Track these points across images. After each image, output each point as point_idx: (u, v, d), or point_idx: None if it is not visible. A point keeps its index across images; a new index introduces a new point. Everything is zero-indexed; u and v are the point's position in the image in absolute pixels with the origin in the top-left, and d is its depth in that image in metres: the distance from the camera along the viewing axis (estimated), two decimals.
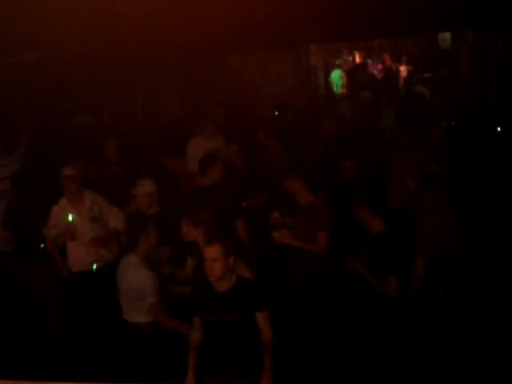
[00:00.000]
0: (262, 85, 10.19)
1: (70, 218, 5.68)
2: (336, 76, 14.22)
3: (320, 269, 5.42)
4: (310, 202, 5.40)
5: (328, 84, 13.84)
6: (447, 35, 13.88)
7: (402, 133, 7.56)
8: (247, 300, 4.07)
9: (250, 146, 7.43)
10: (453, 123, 9.30)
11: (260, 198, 6.68)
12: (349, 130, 7.93)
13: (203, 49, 9.42)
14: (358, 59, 14.94)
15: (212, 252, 3.99)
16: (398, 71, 14.13)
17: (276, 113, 8.71)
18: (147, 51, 8.39)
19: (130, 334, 4.84)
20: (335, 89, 14.05)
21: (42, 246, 5.88)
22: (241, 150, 6.89)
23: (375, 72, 14.50)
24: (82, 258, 5.78)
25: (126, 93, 9.70)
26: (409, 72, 13.64)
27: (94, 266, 5.75)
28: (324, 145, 7.37)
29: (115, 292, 4.90)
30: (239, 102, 9.70)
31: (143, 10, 6.70)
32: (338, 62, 15.21)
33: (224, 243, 4.03)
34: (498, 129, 7.64)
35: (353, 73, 13.34)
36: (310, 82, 10.30)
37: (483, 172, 6.54)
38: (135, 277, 4.70)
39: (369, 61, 14.61)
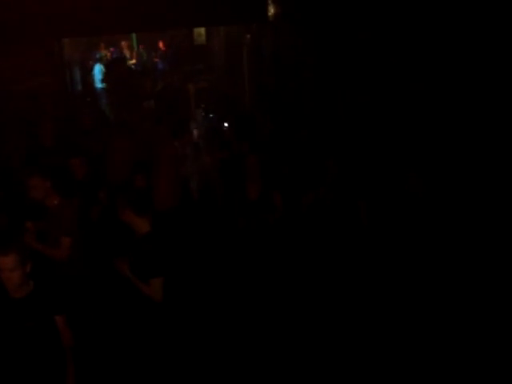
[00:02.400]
0: (13, 81, 9.60)
1: None
2: (97, 70, 14.03)
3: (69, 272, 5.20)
4: (56, 204, 5.20)
5: (87, 79, 13.58)
6: (202, 30, 14.45)
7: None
8: (44, 305, 3.92)
9: None
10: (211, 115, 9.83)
11: None
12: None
13: None
14: (112, 53, 14.89)
15: (8, 262, 3.75)
16: (154, 65, 14.37)
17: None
18: None
19: None
20: (96, 83, 13.86)
21: None
22: None
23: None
24: None
25: None
26: (166, 65, 13.95)
27: None
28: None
29: None
30: None
31: None
32: (98, 56, 14.99)
33: (19, 250, 3.82)
34: None
35: (110, 67, 13.24)
36: (65, 77, 10.02)
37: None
38: None
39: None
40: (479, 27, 5.29)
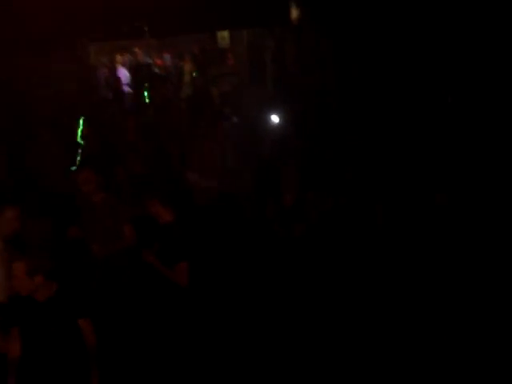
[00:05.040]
0: (38, 86, 9.73)
1: None
2: (121, 74, 14.14)
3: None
4: (103, 197, 5.33)
5: (111, 83, 13.70)
6: (225, 34, 14.54)
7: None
8: (68, 308, 3.98)
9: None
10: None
11: None
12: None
13: None
14: (138, 57, 15.03)
15: (17, 269, 3.85)
16: (180, 69, 14.47)
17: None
18: None
19: None
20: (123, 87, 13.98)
21: None
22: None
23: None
24: None
25: None
26: (193, 69, 14.04)
27: None
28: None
29: None
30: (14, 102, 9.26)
31: None
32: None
33: (30, 260, 3.89)
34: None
35: (136, 71, 13.39)
36: (91, 81, 10.14)
37: None
38: None
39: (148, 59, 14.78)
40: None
